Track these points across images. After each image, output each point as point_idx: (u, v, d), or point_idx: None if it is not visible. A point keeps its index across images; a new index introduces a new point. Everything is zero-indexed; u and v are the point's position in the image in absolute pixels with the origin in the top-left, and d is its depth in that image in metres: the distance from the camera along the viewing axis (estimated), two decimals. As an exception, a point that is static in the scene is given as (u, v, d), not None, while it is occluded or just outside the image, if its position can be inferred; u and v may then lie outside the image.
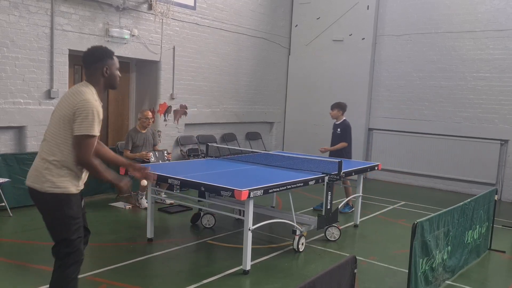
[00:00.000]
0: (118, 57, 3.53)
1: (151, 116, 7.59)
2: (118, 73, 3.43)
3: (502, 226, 7.07)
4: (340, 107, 7.64)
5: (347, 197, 7.27)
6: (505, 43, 9.25)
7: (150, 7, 8.35)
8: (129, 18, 8.13)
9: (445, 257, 4.53)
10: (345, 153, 7.52)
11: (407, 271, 3.94)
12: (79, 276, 3.29)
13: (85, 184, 3.39)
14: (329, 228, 5.99)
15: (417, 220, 3.91)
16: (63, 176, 3.18)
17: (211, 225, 6.32)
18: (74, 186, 3.23)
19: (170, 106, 9.04)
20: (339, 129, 7.59)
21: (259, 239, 5.83)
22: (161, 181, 5.29)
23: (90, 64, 3.33)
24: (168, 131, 9.10)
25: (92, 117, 3.11)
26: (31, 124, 7.00)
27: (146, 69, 8.96)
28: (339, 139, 7.56)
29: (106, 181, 3.32)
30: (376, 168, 6.89)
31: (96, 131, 3.15)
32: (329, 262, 5.15)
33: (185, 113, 9.39)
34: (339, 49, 11.14)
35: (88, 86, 3.29)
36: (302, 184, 5.20)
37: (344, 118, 7.66)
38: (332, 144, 7.67)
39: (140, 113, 7.68)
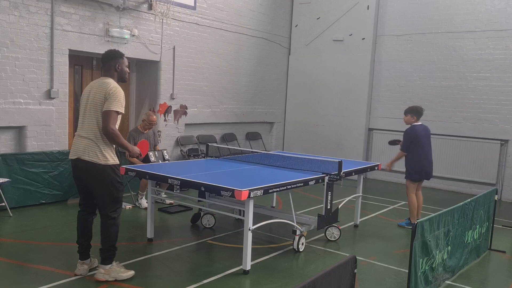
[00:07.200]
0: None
1: (155, 122, 7.55)
2: (127, 69, 4.43)
3: (502, 226, 7.07)
4: (412, 112, 6.73)
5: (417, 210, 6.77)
6: (506, 43, 9.25)
7: (150, 7, 8.35)
8: (129, 18, 8.12)
9: (445, 257, 4.53)
10: (408, 163, 6.70)
11: (407, 271, 3.95)
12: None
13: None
14: (329, 228, 5.99)
15: (417, 220, 3.91)
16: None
17: (211, 225, 6.32)
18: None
19: (170, 106, 9.04)
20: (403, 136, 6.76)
21: (259, 239, 5.83)
22: (161, 181, 5.30)
23: (106, 62, 4.32)
24: (168, 131, 9.10)
25: (122, 99, 4.14)
26: (31, 124, 7.00)
27: (146, 69, 8.96)
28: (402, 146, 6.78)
29: (123, 147, 4.29)
30: (376, 168, 6.88)
31: (122, 109, 4.14)
32: (329, 262, 5.15)
33: (185, 113, 9.39)
34: (339, 49, 11.14)
35: (108, 78, 4.26)
36: (302, 184, 5.20)
37: (414, 124, 6.75)
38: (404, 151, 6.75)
39: (145, 114, 7.50)
